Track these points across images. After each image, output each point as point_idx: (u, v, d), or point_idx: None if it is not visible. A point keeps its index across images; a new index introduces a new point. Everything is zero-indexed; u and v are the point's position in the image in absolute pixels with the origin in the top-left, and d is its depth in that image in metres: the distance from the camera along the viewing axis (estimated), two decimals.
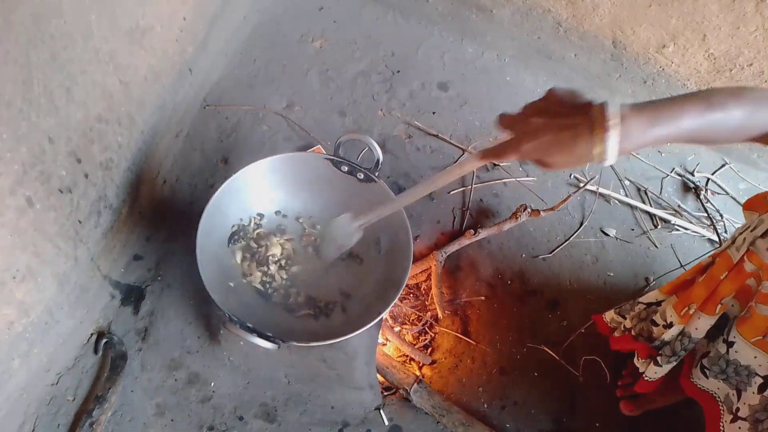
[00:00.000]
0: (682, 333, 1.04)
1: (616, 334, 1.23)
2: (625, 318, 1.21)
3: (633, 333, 1.17)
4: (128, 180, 1.17)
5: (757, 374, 0.94)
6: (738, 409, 0.98)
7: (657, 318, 1.10)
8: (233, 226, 1.20)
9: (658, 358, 1.09)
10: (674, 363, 1.08)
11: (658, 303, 1.14)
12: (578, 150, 0.69)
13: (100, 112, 1.02)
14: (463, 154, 1.57)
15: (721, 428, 1.00)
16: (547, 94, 0.74)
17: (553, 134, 0.70)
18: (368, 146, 1.11)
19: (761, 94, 0.71)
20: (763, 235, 0.88)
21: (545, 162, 0.73)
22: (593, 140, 0.67)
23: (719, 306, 0.96)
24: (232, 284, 1.17)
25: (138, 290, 1.23)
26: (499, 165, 1.58)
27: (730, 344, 0.98)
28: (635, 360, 1.18)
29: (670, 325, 1.06)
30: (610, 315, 1.26)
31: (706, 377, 1.05)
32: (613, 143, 0.66)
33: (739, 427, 0.97)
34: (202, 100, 1.50)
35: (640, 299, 1.18)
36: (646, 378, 1.14)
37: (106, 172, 1.07)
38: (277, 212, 1.26)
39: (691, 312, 1.00)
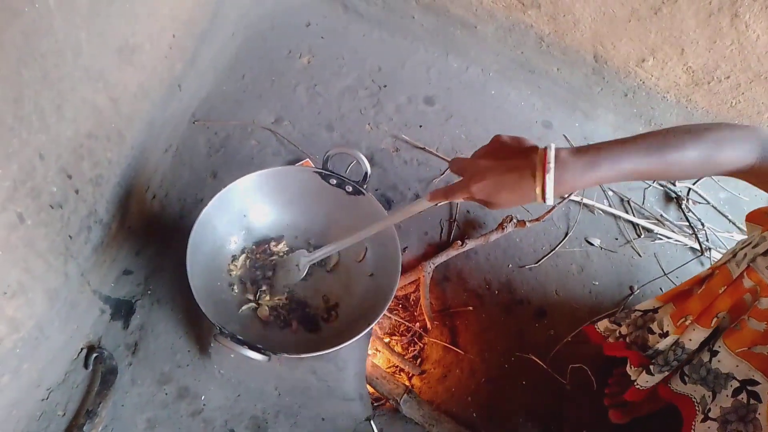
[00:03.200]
0: (675, 343, 1.05)
1: (610, 339, 1.24)
2: (620, 325, 1.23)
3: (627, 340, 1.18)
4: (118, 195, 1.18)
5: (734, 378, 0.97)
6: (710, 410, 1.01)
7: (654, 326, 1.11)
8: (232, 241, 1.22)
9: (651, 367, 1.10)
10: (666, 373, 1.09)
11: (655, 310, 1.15)
12: (521, 190, 0.75)
13: (90, 129, 1.03)
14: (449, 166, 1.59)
15: (693, 427, 1.03)
16: (492, 140, 0.80)
17: (498, 175, 0.76)
18: (356, 159, 1.13)
19: (724, 133, 0.74)
20: (764, 253, 0.89)
21: (491, 201, 0.79)
22: (534, 182, 0.73)
23: (715, 319, 0.98)
24: (222, 297, 1.18)
25: (128, 305, 1.24)
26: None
27: (713, 353, 1.00)
28: (627, 368, 1.20)
29: (665, 335, 1.07)
30: (603, 325, 1.26)
31: (684, 383, 1.08)
32: (550, 186, 0.72)
33: (708, 427, 0.99)
34: (191, 116, 1.51)
35: (636, 307, 1.20)
36: (637, 386, 1.15)
37: (96, 187, 1.08)
38: (267, 226, 1.28)
39: (687, 323, 1.02)
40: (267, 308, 1.20)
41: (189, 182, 1.42)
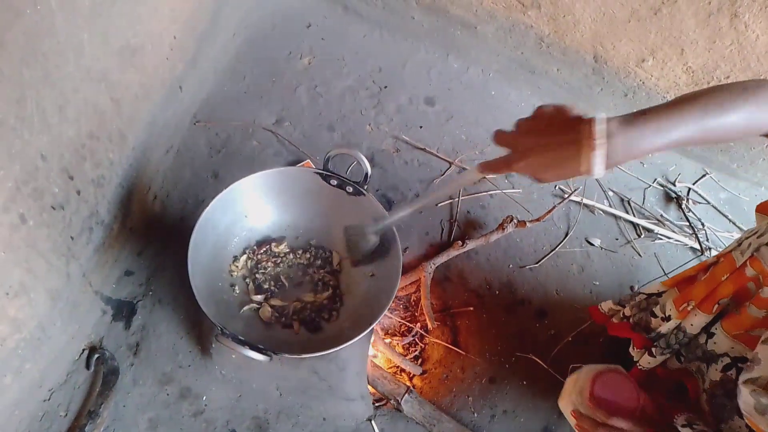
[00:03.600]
0: (678, 327, 1.06)
1: (614, 320, 1.25)
2: (624, 306, 1.23)
3: (631, 322, 1.19)
4: (119, 196, 1.18)
5: (727, 355, 0.98)
6: (704, 381, 1.03)
7: (656, 310, 1.12)
8: (233, 241, 1.22)
9: (653, 350, 1.12)
10: (667, 356, 1.11)
11: (659, 294, 1.16)
12: (568, 167, 0.73)
13: (92, 130, 1.03)
14: (449, 167, 1.60)
15: (699, 394, 1.06)
16: (536, 112, 0.77)
17: (544, 154, 0.74)
18: (357, 160, 1.13)
19: (764, 93, 0.72)
20: None
21: (538, 177, 0.77)
22: (581, 158, 0.70)
23: (716, 305, 0.99)
24: (223, 298, 1.18)
25: (129, 305, 1.24)
26: (486, 178, 1.60)
27: (710, 335, 1.01)
28: (630, 349, 1.21)
29: (668, 319, 1.08)
30: (607, 305, 1.27)
31: (681, 363, 1.10)
32: (599, 160, 0.70)
33: (702, 397, 1.03)
34: (192, 117, 1.52)
35: (642, 290, 1.21)
36: (639, 367, 1.17)
37: (97, 188, 1.09)
38: (268, 227, 1.29)
39: (689, 308, 1.03)
40: (269, 309, 1.20)
41: (190, 183, 1.43)
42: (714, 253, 1.62)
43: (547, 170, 0.75)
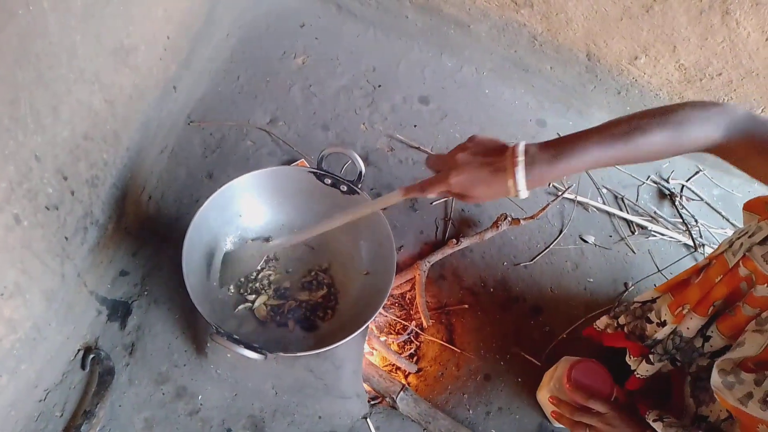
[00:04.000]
0: (673, 332, 1.07)
1: (609, 330, 1.25)
2: (617, 319, 1.24)
3: (626, 330, 1.20)
4: (114, 196, 1.18)
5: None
6: (690, 366, 1.06)
7: (652, 316, 1.13)
8: (228, 241, 1.23)
9: (651, 357, 1.12)
10: (665, 361, 1.11)
11: (653, 300, 1.17)
12: (495, 184, 0.81)
13: (86, 130, 1.03)
14: None
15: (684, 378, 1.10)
16: (469, 139, 0.86)
17: (475, 170, 0.81)
18: (351, 159, 1.13)
19: (690, 114, 0.79)
20: (760, 243, 0.91)
21: (467, 194, 0.84)
22: (506, 175, 0.79)
23: (711, 308, 1.00)
24: (218, 297, 1.19)
25: (125, 305, 1.24)
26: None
27: (706, 338, 1.02)
28: (627, 358, 1.22)
29: (663, 324, 1.09)
30: (603, 322, 1.27)
31: (676, 366, 1.11)
32: (521, 178, 0.78)
33: (686, 381, 1.05)
34: (186, 117, 1.52)
35: (636, 299, 1.21)
36: (637, 375, 1.17)
37: (92, 189, 1.09)
38: (262, 226, 1.29)
39: (684, 312, 1.04)
40: (265, 307, 1.20)
41: (185, 183, 1.43)
42: (708, 249, 1.63)
43: (476, 187, 0.82)
